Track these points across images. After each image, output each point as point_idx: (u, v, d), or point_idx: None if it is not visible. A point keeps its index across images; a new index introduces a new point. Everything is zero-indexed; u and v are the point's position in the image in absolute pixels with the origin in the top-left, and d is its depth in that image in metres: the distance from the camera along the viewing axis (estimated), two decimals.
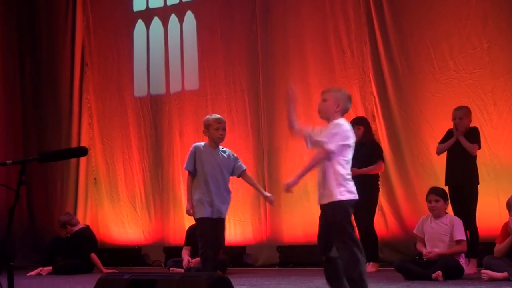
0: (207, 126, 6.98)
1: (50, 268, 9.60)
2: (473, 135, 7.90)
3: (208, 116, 7.13)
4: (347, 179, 5.16)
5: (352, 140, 5.18)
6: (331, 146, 5.06)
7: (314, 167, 5.17)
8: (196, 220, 6.93)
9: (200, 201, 6.85)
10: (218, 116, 7.09)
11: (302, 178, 5.17)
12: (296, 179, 5.16)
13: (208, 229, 6.84)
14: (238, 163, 7.07)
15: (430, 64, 9.04)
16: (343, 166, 5.17)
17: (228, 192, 7.05)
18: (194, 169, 6.93)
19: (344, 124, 5.19)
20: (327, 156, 5.10)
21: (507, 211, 7.03)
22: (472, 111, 8.22)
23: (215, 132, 6.95)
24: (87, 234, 9.87)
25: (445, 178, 7.98)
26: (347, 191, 5.15)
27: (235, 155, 7.12)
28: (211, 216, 6.83)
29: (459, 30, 8.88)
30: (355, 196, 5.16)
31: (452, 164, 7.97)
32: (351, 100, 5.40)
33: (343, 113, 5.29)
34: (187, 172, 7.04)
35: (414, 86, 9.17)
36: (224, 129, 6.98)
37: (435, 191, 7.47)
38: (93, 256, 9.62)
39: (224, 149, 7.07)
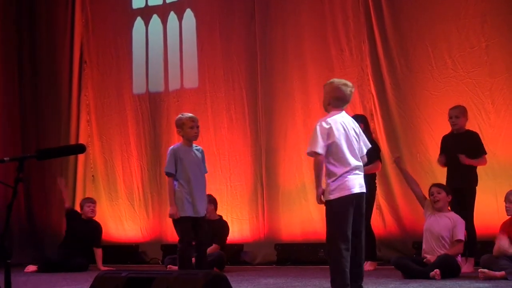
0: (181, 125, 7.14)
1: (35, 267, 9.60)
2: (476, 144, 7.91)
3: (180, 115, 7.31)
4: (341, 177, 5.26)
5: (334, 138, 5.31)
6: (316, 149, 5.34)
7: (320, 174, 5.39)
8: (177, 218, 7.00)
9: (181, 200, 6.96)
10: (191, 114, 7.27)
11: (320, 186, 5.43)
12: (319, 190, 5.41)
13: (189, 228, 6.98)
14: (204, 163, 7.28)
15: (429, 62, 9.04)
16: (335, 165, 5.29)
17: (205, 188, 7.25)
18: (175, 171, 7.06)
19: (321, 124, 5.40)
20: (316, 161, 5.37)
21: (504, 209, 7.07)
22: (470, 110, 8.23)
23: (190, 130, 7.12)
24: (100, 227, 9.96)
25: (446, 181, 7.97)
26: (338, 190, 5.26)
27: (203, 152, 7.30)
28: (193, 215, 6.96)
29: (457, 29, 8.88)
30: (348, 192, 5.26)
31: (451, 167, 7.97)
32: (345, 86, 5.54)
33: (338, 103, 5.52)
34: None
35: (413, 84, 9.17)
36: (198, 127, 7.18)
37: (435, 184, 7.60)
38: (100, 250, 9.67)
39: (197, 146, 7.26)
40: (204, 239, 7.21)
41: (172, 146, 7.27)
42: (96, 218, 10.06)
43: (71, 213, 10.07)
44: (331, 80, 5.64)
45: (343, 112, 5.56)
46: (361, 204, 5.43)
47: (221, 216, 9.27)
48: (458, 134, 7.99)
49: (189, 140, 7.16)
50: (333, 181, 5.30)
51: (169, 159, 7.11)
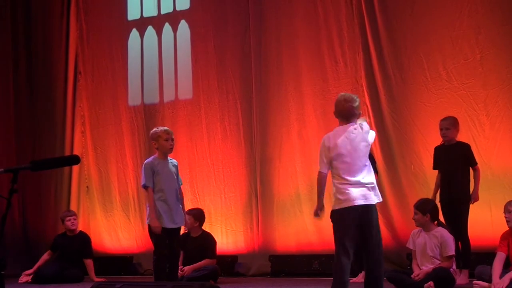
0: (156, 138, 7.18)
1: (29, 278, 9.56)
2: (466, 155, 7.89)
3: (155, 128, 7.36)
4: (344, 189, 5.27)
5: (335, 151, 5.34)
6: (320, 168, 5.43)
7: (321, 190, 5.47)
8: (151, 228, 7.01)
9: (157, 211, 6.98)
10: (166, 127, 7.33)
11: (320, 201, 5.52)
12: (318, 205, 5.52)
13: (164, 239, 6.99)
14: (178, 175, 7.28)
15: (423, 74, 9.05)
16: (337, 177, 5.33)
17: (179, 200, 7.23)
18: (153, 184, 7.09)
19: (323, 141, 5.48)
20: (319, 177, 5.45)
21: (499, 221, 7.05)
22: (464, 122, 8.23)
23: (165, 143, 7.15)
24: (88, 238, 9.91)
25: (439, 194, 7.95)
26: (341, 201, 5.28)
27: (176, 164, 7.31)
28: (167, 226, 6.98)
29: (452, 40, 8.90)
30: (350, 203, 5.26)
31: (443, 179, 7.96)
32: (347, 98, 5.52)
33: (345, 116, 5.52)
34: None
35: (407, 96, 9.19)
36: (173, 140, 7.23)
37: (415, 204, 7.48)
38: (90, 262, 9.61)
39: (172, 160, 7.29)
40: (177, 250, 7.27)
41: (146, 161, 7.25)
42: (91, 230, 10.03)
43: (56, 241, 9.99)
44: (339, 95, 5.67)
45: (350, 127, 5.49)
46: (367, 216, 5.36)
47: (203, 230, 9.06)
48: (449, 145, 7.98)
49: (164, 153, 7.18)
50: (335, 193, 5.34)
51: (146, 173, 7.08)
